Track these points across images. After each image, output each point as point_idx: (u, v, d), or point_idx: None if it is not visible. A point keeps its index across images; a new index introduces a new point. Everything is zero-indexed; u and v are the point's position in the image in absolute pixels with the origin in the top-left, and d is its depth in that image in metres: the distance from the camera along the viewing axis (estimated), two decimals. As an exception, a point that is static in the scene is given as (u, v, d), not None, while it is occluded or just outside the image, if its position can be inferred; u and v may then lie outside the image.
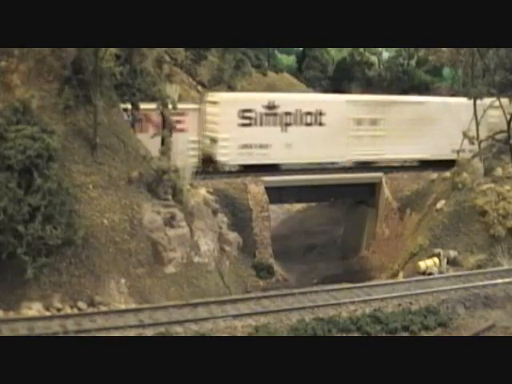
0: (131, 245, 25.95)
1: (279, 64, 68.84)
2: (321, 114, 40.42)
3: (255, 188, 38.44)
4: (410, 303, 24.04)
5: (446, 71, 69.21)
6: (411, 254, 33.87)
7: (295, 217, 51.74)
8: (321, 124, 40.53)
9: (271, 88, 59.09)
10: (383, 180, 42.39)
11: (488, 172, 36.65)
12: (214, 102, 37.09)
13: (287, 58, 73.69)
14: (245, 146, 38.39)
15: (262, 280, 35.38)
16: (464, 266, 30.98)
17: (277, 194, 40.32)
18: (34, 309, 22.80)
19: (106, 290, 24.62)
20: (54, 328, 20.25)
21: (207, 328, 21.10)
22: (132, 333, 20.29)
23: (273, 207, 42.68)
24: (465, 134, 38.58)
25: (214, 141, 36.47)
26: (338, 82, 67.76)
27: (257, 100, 39.42)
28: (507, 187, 34.54)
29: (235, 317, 22.10)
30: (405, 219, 40.02)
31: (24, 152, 23.07)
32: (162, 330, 20.67)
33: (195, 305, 23.06)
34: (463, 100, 41.56)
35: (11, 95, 25.18)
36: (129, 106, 30.92)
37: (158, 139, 32.50)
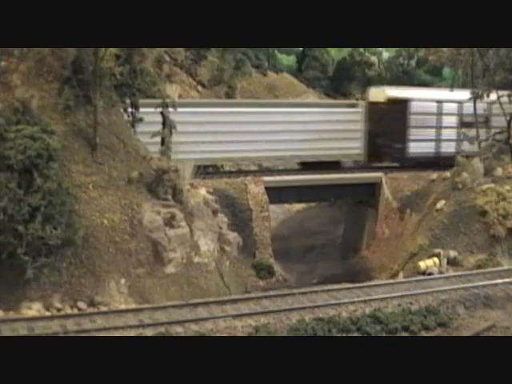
0: (131, 245, 25.94)
1: (279, 64, 68.88)
2: None
3: (255, 188, 38.44)
4: (410, 303, 24.01)
5: (446, 71, 69.31)
6: (411, 254, 33.85)
7: (295, 217, 51.79)
8: None
9: (271, 88, 59.19)
10: (383, 180, 42.39)
11: (488, 172, 36.62)
12: None
13: (287, 58, 73.71)
14: None
15: (261, 280, 35.39)
16: (464, 266, 30.96)
17: (277, 194, 40.32)
18: (34, 309, 22.78)
19: (106, 290, 24.61)
20: (54, 328, 20.22)
21: (207, 328, 21.06)
22: (132, 333, 20.27)
23: (273, 207, 42.69)
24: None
25: None
26: (338, 82, 67.93)
27: None
28: (507, 187, 34.50)
29: (235, 317, 22.08)
30: (405, 219, 40.01)
31: (24, 152, 23.07)
32: (161, 330, 20.65)
33: (195, 305, 23.02)
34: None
35: (11, 95, 25.18)
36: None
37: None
